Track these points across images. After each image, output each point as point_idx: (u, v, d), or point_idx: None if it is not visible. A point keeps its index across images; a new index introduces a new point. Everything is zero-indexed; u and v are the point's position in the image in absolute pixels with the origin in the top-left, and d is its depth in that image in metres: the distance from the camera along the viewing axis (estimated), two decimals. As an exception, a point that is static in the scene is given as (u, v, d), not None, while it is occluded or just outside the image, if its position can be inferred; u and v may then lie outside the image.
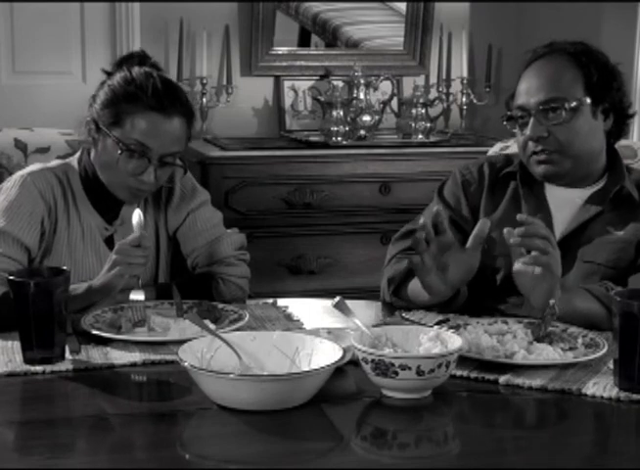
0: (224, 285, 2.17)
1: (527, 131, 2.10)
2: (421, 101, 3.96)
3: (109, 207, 2.15)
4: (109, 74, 2.14)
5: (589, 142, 2.12)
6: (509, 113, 2.16)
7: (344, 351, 1.61)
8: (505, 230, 1.89)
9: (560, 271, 1.90)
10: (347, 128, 3.86)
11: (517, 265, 1.90)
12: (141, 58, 2.17)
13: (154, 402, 1.69)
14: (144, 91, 2.05)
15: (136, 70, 2.10)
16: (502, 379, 1.67)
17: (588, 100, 2.10)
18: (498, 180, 2.22)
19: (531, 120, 2.10)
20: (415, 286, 2.03)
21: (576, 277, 2.06)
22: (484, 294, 2.10)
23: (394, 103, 4.10)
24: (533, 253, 1.87)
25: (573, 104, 2.08)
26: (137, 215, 1.99)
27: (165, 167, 2.09)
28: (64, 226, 2.12)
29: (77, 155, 2.19)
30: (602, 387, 1.63)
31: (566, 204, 2.15)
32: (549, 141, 2.10)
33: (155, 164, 2.06)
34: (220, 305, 2.02)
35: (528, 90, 2.11)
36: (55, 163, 2.18)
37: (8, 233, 2.04)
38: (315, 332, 1.81)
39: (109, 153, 2.07)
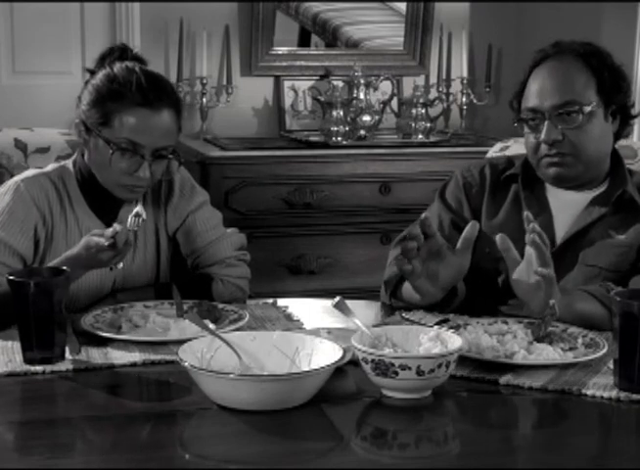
0: (224, 286, 2.17)
1: (542, 135, 2.08)
2: (421, 101, 3.96)
3: (107, 208, 2.14)
4: (92, 73, 2.11)
5: (601, 145, 2.12)
6: (521, 116, 2.15)
7: (344, 351, 1.61)
8: (498, 237, 1.90)
9: (555, 284, 1.90)
10: (347, 128, 3.86)
11: (514, 275, 1.90)
12: (122, 51, 2.13)
13: (153, 402, 1.69)
14: (128, 88, 2.02)
15: (118, 67, 2.06)
16: (502, 379, 1.67)
17: (601, 103, 2.09)
18: (500, 183, 2.22)
19: (546, 124, 2.08)
20: (408, 288, 2.04)
21: (577, 280, 2.06)
22: (486, 296, 2.10)
23: (394, 103, 4.10)
24: (534, 261, 1.87)
25: (589, 108, 2.07)
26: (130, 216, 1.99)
27: (160, 161, 2.07)
28: (61, 231, 2.10)
29: (73, 157, 2.17)
30: (602, 387, 1.63)
31: (567, 207, 2.15)
32: (563, 144, 2.09)
33: (148, 159, 2.03)
34: (220, 306, 2.02)
35: (542, 92, 2.10)
36: (50, 167, 2.16)
37: None
38: (315, 332, 1.81)
39: (101, 153, 2.05)
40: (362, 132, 3.91)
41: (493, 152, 2.62)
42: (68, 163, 2.17)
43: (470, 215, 2.20)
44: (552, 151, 2.10)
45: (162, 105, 2.03)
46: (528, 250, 1.89)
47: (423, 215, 1.95)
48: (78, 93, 2.11)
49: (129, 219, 1.98)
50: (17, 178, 2.12)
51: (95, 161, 2.08)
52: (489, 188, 2.22)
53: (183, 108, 2.12)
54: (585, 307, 1.92)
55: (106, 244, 1.89)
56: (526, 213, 1.89)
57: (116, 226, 1.91)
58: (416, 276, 1.96)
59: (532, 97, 2.11)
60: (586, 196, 2.16)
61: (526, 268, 1.89)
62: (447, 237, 2.14)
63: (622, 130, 2.19)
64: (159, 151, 2.05)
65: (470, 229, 1.96)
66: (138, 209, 1.98)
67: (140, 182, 2.05)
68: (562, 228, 2.14)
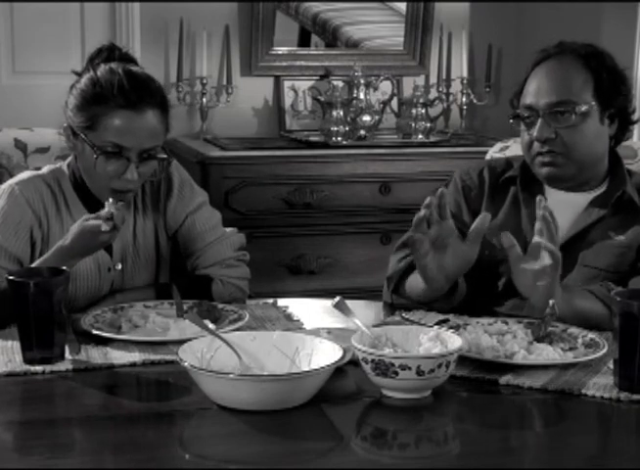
0: (224, 286, 2.17)
1: (535, 132, 2.09)
2: (421, 101, 3.96)
3: (102, 209, 2.13)
4: (79, 75, 2.09)
5: (594, 147, 2.12)
6: (517, 111, 2.15)
7: (344, 350, 1.61)
8: (502, 235, 1.90)
9: (560, 270, 1.90)
10: (347, 128, 3.86)
11: (519, 264, 1.90)
12: (109, 51, 2.11)
13: (153, 402, 1.69)
14: (110, 90, 2.00)
15: (101, 69, 2.04)
16: (502, 379, 1.67)
17: (597, 105, 2.09)
18: (498, 185, 2.22)
19: (539, 122, 2.09)
20: (412, 280, 2.04)
21: (576, 281, 2.05)
22: (486, 297, 2.09)
23: (394, 103, 4.10)
24: (542, 250, 1.87)
25: (584, 108, 2.07)
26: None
27: (147, 162, 2.05)
28: (57, 233, 2.09)
29: (68, 159, 2.16)
30: (602, 387, 1.63)
31: (567, 208, 2.15)
32: (556, 143, 2.09)
33: (135, 161, 2.01)
34: (220, 306, 2.02)
35: (538, 91, 2.10)
36: (46, 169, 2.15)
37: None
38: (315, 332, 1.81)
39: (88, 158, 2.04)
40: (362, 132, 3.91)
41: (493, 152, 2.62)
42: (63, 164, 2.16)
43: (469, 219, 2.19)
44: (544, 149, 2.10)
45: (146, 106, 2.02)
46: (533, 243, 1.90)
47: (440, 190, 1.93)
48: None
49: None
50: (11, 181, 2.11)
51: (83, 165, 2.08)
52: (488, 191, 2.21)
53: (170, 107, 2.09)
54: (585, 305, 1.92)
55: (108, 229, 1.89)
56: (539, 197, 1.89)
57: (111, 207, 1.91)
58: (424, 253, 1.94)
59: (529, 95, 2.12)
60: (585, 197, 2.16)
61: (530, 260, 1.89)
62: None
63: (622, 135, 2.18)
64: (145, 152, 2.03)
65: (481, 220, 1.95)
66: (112, 210, 1.95)
67: (129, 185, 2.04)
68: (561, 230, 2.13)
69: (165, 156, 2.10)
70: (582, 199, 2.15)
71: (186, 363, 1.54)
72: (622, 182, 2.15)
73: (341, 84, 3.97)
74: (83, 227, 1.92)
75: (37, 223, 2.08)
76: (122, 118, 2.00)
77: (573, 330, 1.86)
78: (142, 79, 2.06)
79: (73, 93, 2.06)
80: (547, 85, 2.10)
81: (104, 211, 1.91)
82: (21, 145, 2.43)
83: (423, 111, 3.97)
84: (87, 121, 2.02)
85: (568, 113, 2.08)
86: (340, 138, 3.84)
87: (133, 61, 2.13)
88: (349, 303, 1.80)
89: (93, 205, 2.12)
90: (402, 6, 4.24)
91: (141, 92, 2.02)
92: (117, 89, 2.00)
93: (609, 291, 1.92)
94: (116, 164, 2.02)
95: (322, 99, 3.90)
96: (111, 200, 1.97)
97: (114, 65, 2.06)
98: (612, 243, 2.09)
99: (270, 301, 2.18)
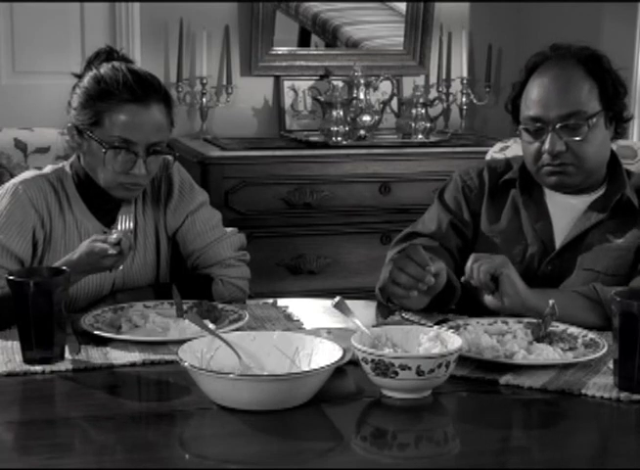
0: (224, 286, 2.17)
1: (546, 146, 2.06)
2: (421, 101, 3.96)
3: (105, 210, 2.13)
4: (79, 77, 2.11)
5: (602, 153, 2.11)
6: (524, 126, 2.10)
7: (344, 350, 1.61)
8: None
9: (510, 266, 1.92)
10: (347, 128, 3.86)
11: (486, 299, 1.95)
12: (108, 53, 2.13)
13: (153, 402, 1.69)
14: (115, 86, 2.02)
15: (104, 67, 2.07)
16: (502, 379, 1.67)
17: (603, 111, 2.08)
18: (498, 186, 2.21)
19: (550, 135, 2.06)
20: None
21: (576, 285, 2.05)
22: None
23: (394, 103, 4.09)
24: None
25: (595, 119, 2.06)
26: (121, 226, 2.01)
27: (154, 157, 2.06)
28: (60, 233, 2.10)
29: (71, 159, 2.17)
30: (602, 387, 1.63)
31: (566, 211, 2.14)
32: (566, 155, 2.07)
33: (142, 156, 2.03)
34: (220, 305, 2.02)
35: (547, 102, 2.07)
36: (49, 168, 2.15)
37: None
38: (315, 332, 1.81)
39: (95, 154, 2.05)
40: (362, 132, 3.91)
41: (493, 152, 2.62)
42: (66, 165, 2.16)
43: (469, 218, 2.20)
44: (555, 161, 2.08)
45: (151, 100, 2.04)
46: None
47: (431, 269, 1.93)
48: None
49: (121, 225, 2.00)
50: (15, 180, 2.12)
51: (90, 163, 2.08)
52: (488, 192, 2.21)
53: (173, 103, 2.12)
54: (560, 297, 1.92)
55: (114, 252, 1.89)
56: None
57: (119, 233, 1.91)
58: (407, 300, 1.99)
59: (535, 105, 2.08)
60: (585, 200, 2.15)
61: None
62: (445, 236, 2.15)
63: (616, 134, 2.17)
64: (152, 146, 2.04)
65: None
66: (120, 236, 1.94)
67: (137, 180, 2.05)
68: (561, 233, 2.13)
69: (172, 151, 2.12)
70: (582, 202, 2.15)
71: (186, 363, 1.54)
72: (622, 185, 2.14)
73: (340, 84, 3.97)
74: (92, 248, 1.92)
75: (40, 223, 2.08)
76: (129, 113, 2.01)
77: (573, 330, 1.86)
78: (146, 75, 2.09)
79: (77, 92, 2.07)
80: (555, 96, 2.06)
81: (112, 237, 1.91)
82: (21, 145, 2.43)
83: (423, 111, 3.97)
84: (93, 118, 2.03)
85: (580, 124, 2.05)
86: (340, 138, 3.84)
87: (131, 62, 2.14)
88: (349, 303, 1.80)
89: (96, 205, 2.12)
90: (402, 6, 4.23)
91: (146, 87, 2.04)
92: (122, 84, 2.02)
93: (594, 288, 1.95)
94: (124, 158, 2.03)
95: (322, 99, 3.90)
96: (119, 227, 1.98)
97: (115, 63, 2.08)
98: (610, 246, 2.09)
99: (270, 301, 2.18)
